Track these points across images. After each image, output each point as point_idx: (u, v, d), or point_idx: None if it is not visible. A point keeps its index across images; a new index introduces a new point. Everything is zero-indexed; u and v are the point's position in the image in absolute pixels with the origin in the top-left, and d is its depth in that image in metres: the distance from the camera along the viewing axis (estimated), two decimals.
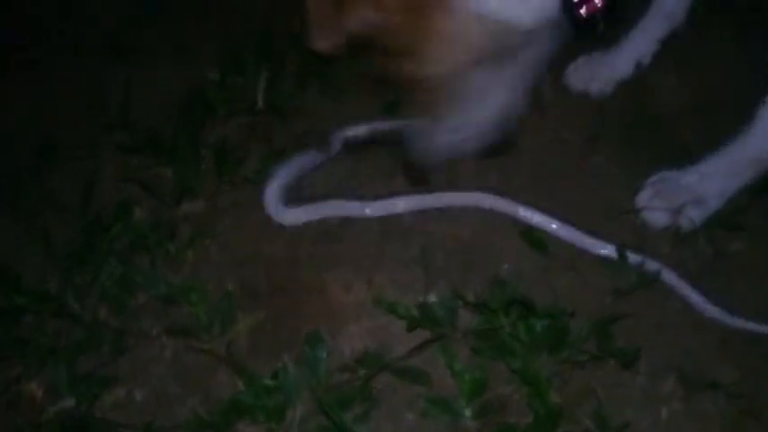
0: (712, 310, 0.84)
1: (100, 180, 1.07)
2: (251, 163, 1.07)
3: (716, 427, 0.77)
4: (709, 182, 0.92)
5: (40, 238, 0.99)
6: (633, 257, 0.88)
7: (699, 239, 0.91)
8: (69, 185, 1.07)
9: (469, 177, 1.01)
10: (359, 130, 1.05)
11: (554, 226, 0.93)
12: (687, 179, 0.94)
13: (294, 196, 1.00)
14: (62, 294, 0.91)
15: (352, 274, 0.92)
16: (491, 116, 0.89)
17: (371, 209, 0.98)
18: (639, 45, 1.10)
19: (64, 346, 0.87)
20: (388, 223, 0.97)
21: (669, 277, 0.87)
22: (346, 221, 0.98)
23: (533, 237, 0.92)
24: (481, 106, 0.87)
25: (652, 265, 0.87)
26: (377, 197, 0.98)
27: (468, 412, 0.77)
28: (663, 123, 1.07)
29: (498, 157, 1.03)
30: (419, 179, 1.01)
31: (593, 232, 0.91)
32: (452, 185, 1.00)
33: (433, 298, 0.86)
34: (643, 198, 0.95)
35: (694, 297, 0.86)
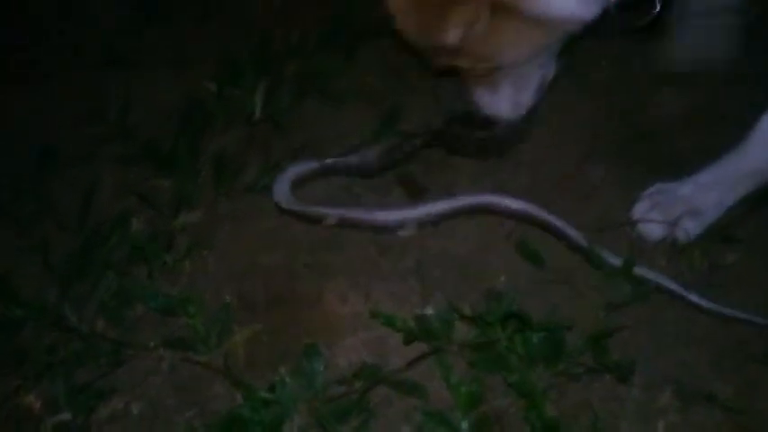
0: (708, 305, 0.85)
1: (98, 190, 1.08)
2: (249, 174, 1.07)
3: None
4: (706, 193, 0.92)
5: (38, 249, 0.99)
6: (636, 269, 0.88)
7: (695, 251, 0.91)
8: (68, 195, 1.08)
9: (466, 187, 1.02)
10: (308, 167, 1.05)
11: None
12: (684, 191, 0.93)
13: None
14: (60, 306, 0.92)
15: (349, 286, 0.92)
16: (537, 85, 1.00)
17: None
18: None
19: (62, 358, 0.87)
20: (384, 236, 0.97)
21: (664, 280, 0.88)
22: (342, 233, 0.98)
23: (529, 250, 0.93)
24: (532, 78, 0.98)
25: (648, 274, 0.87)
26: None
27: (464, 425, 0.77)
28: (660, 135, 1.07)
29: (498, 157, 1.04)
30: (416, 191, 1.01)
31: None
32: (449, 194, 1.00)
33: (429, 311, 0.86)
34: (639, 210, 0.95)
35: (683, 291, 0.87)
